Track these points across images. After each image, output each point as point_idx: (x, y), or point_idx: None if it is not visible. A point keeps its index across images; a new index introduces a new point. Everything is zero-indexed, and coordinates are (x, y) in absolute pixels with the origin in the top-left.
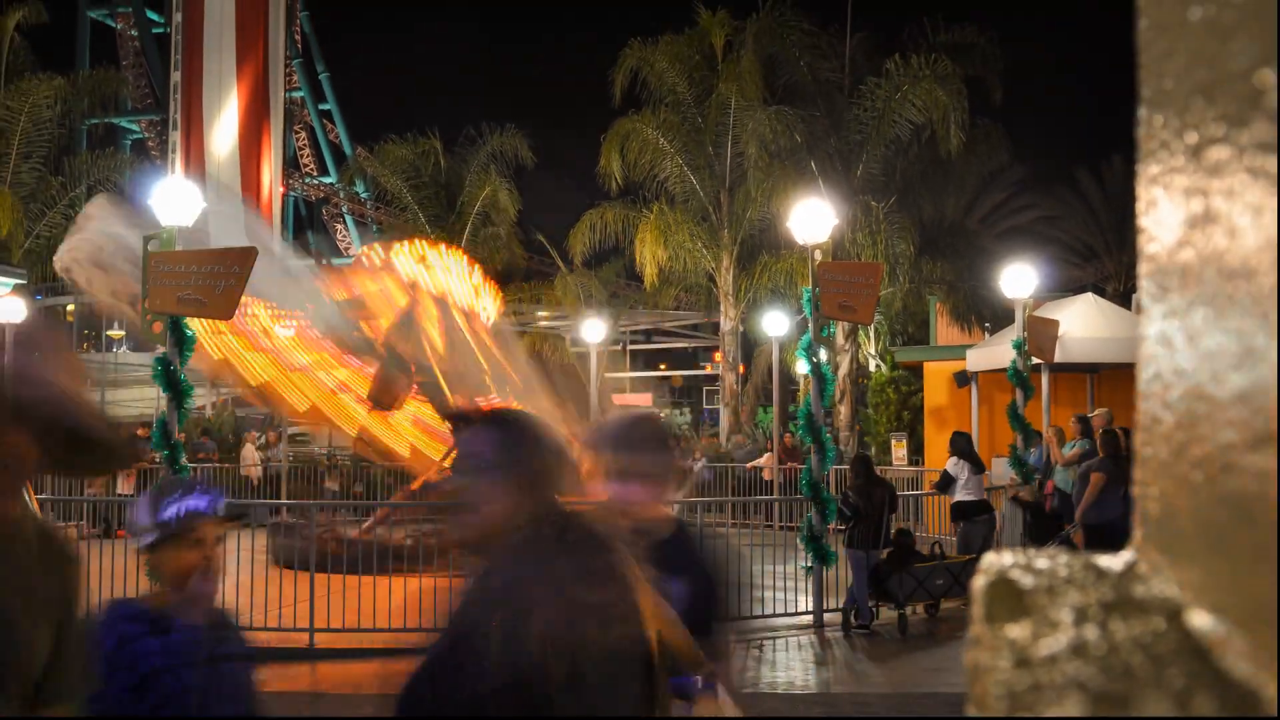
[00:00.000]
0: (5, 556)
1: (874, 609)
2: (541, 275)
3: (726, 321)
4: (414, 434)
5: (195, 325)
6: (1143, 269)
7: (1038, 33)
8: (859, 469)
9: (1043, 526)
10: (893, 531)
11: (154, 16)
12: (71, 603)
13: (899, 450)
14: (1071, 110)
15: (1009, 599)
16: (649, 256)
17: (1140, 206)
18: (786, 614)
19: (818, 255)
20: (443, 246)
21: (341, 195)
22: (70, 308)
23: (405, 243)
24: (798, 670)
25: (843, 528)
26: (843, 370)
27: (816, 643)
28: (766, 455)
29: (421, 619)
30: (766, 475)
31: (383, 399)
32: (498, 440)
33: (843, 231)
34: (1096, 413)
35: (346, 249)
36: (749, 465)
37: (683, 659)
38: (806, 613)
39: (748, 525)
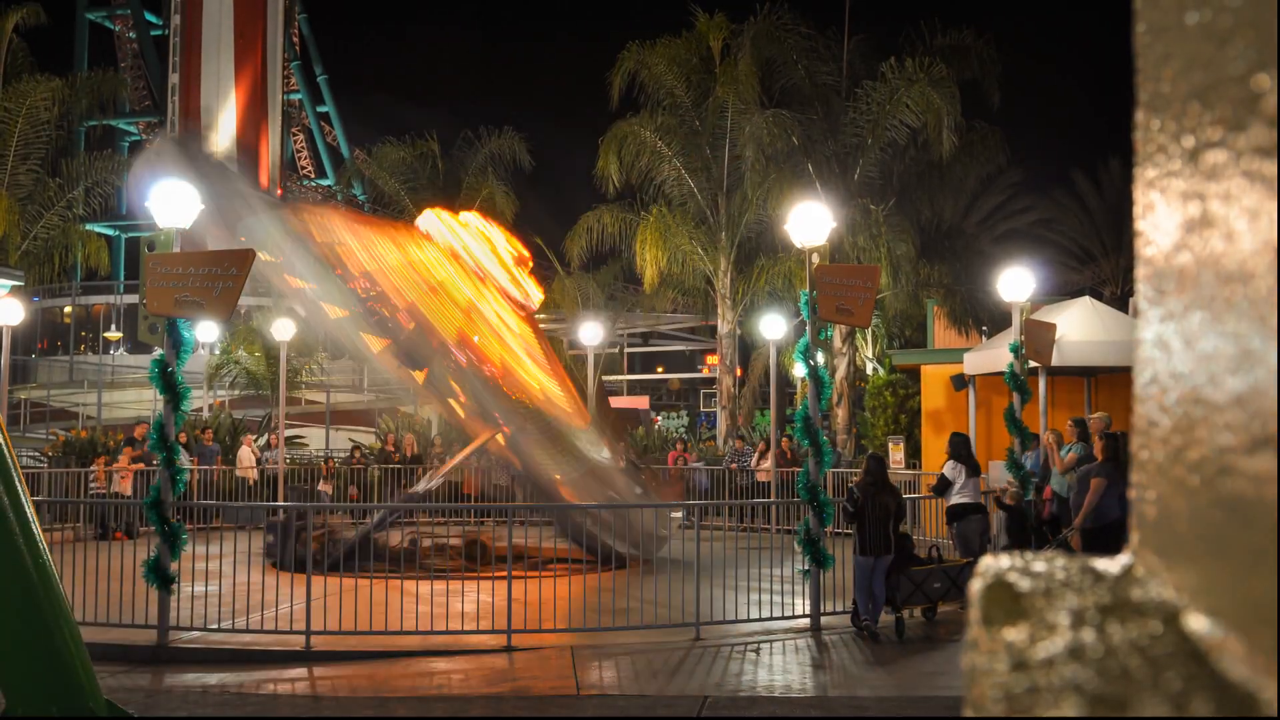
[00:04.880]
0: None
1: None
2: (539, 278)
3: (724, 324)
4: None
5: None
6: (1140, 272)
7: (1036, 36)
8: (872, 468)
9: (1022, 532)
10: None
11: (152, 19)
12: None
13: (896, 453)
14: (1069, 114)
15: (1006, 602)
16: (649, 259)
17: (1138, 210)
18: (783, 617)
19: (815, 258)
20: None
21: (339, 198)
22: (68, 310)
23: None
24: (794, 674)
25: (848, 529)
26: (840, 373)
27: (813, 646)
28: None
29: (418, 623)
30: (761, 477)
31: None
32: None
33: (840, 234)
34: (1094, 416)
35: None
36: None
37: None
38: (803, 616)
39: (745, 528)
